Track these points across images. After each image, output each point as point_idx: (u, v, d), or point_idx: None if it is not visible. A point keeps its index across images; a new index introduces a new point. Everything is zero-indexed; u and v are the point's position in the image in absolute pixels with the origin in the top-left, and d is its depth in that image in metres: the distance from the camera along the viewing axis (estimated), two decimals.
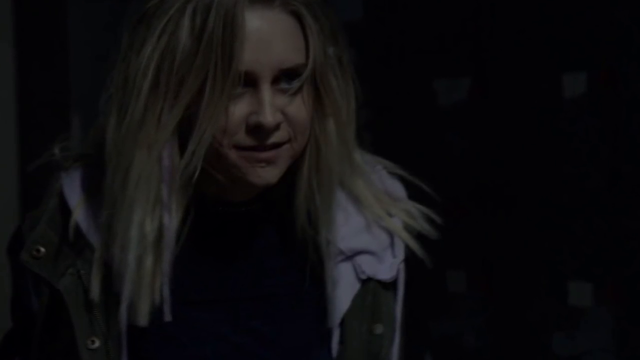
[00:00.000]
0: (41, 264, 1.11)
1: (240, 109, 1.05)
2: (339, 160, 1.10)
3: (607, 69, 2.43)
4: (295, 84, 1.06)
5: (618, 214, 2.42)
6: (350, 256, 1.14)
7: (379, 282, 1.16)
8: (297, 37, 1.06)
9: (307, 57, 1.07)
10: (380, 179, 1.19)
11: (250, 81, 1.04)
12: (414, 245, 1.17)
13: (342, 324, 1.14)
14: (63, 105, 3.11)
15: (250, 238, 1.14)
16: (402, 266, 1.18)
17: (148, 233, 1.05)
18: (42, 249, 1.11)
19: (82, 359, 1.09)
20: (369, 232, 1.16)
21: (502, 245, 2.63)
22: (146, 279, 1.06)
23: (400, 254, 1.17)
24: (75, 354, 1.09)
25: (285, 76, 1.06)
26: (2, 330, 1.22)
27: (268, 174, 1.07)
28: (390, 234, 1.17)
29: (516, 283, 2.62)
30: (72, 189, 1.12)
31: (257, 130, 1.05)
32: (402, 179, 1.21)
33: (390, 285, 1.17)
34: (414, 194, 1.21)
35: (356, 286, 1.15)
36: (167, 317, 1.08)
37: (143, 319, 1.07)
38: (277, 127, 1.05)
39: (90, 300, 1.09)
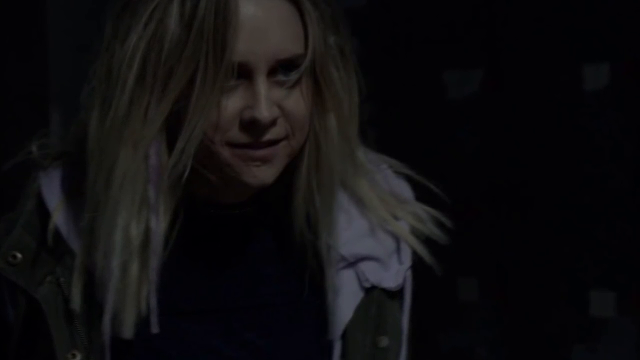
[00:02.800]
0: (17, 271, 1.11)
1: (233, 103, 1.05)
2: (341, 158, 1.10)
3: (631, 60, 2.43)
4: (293, 75, 1.06)
5: None
6: (353, 262, 1.14)
7: (384, 290, 1.16)
8: (295, 25, 1.06)
9: (306, 46, 1.07)
10: (385, 179, 1.19)
11: (245, 73, 1.04)
12: (422, 250, 1.17)
13: (344, 336, 1.14)
14: (42, 99, 3.11)
15: (244, 243, 1.14)
16: (409, 273, 1.18)
17: (133, 238, 1.05)
18: (19, 255, 1.11)
19: None
20: (373, 236, 1.16)
21: (518, 250, 2.63)
22: (131, 287, 1.06)
23: (407, 260, 1.18)
24: None
25: (282, 67, 1.06)
26: None
27: (264, 174, 1.07)
28: (396, 239, 1.17)
29: (533, 292, 2.62)
30: (51, 189, 1.12)
31: (252, 126, 1.05)
32: (409, 179, 1.21)
33: (396, 294, 1.17)
34: (421, 195, 1.22)
35: (359, 295, 1.15)
36: (154, 328, 1.08)
37: (128, 331, 1.07)
38: (273, 122, 1.05)
39: (71, 311, 1.09)
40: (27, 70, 3.17)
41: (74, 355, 1.09)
